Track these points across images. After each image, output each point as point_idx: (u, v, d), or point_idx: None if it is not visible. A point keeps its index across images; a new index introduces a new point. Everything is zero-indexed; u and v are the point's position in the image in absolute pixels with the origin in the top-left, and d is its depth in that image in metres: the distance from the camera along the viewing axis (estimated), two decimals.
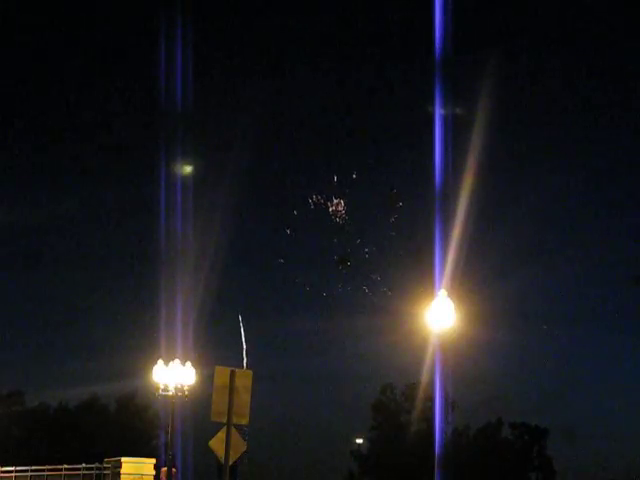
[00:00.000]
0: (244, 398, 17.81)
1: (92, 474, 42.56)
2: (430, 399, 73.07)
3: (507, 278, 76.68)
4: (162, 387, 40.51)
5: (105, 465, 41.88)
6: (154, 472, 41.06)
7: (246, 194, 75.13)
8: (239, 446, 18.08)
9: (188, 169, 68.62)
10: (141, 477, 40.38)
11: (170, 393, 40.56)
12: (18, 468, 48.20)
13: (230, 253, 75.76)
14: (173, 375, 40.49)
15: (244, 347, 67.48)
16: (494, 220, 72.95)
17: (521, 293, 79.43)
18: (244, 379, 17.93)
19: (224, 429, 17.73)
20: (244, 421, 17.95)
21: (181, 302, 66.86)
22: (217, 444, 17.79)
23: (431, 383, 68.89)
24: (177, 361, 40.96)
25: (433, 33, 54.14)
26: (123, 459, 40.86)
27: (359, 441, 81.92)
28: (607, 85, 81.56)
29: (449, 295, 23.52)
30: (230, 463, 17.89)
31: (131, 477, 40.12)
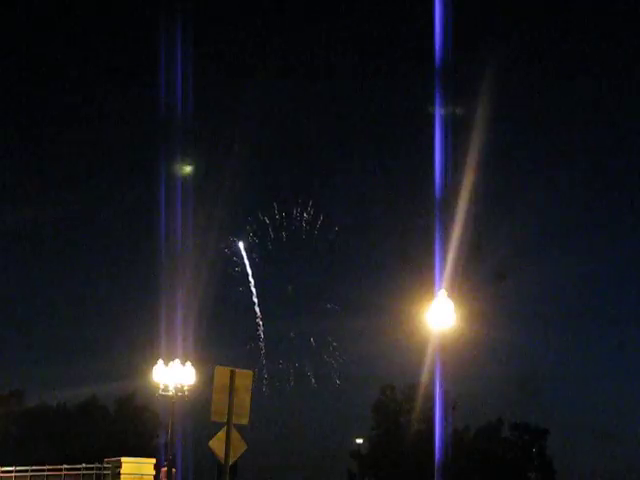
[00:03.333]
0: (244, 398, 17.76)
1: (92, 474, 42.55)
2: (430, 399, 73.03)
3: (507, 278, 76.66)
4: (162, 387, 40.47)
5: (105, 465, 41.87)
6: (154, 472, 41.05)
7: (245, 194, 75.18)
8: (239, 446, 18.03)
9: (188, 169, 68.64)
10: (141, 477, 40.38)
11: (170, 393, 40.53)
12: (18, 468, 48.17)
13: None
14: (173, 375, 40.45)
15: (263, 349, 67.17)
16: (494, 220, 73.00)
17: (521, 293, 79.42)
18: (244, 379, 17.88)
19: (224, 429, 17.69)
20: (244, 421, 17.90)
21: (181, 302, 66.89)
22: (217, 444, 17.74)
23: (431, 383, 68.89)
24: (177, 361, 40.94)
25: (433, 35, 54.18)
26: (123, 459, 40.86)
27: (359, 441, 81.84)
28: (608, 84, 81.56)
29: (449, 295, 23.51)
30: (230, 463, 17.85)
31: (131, 477, 40.12)
